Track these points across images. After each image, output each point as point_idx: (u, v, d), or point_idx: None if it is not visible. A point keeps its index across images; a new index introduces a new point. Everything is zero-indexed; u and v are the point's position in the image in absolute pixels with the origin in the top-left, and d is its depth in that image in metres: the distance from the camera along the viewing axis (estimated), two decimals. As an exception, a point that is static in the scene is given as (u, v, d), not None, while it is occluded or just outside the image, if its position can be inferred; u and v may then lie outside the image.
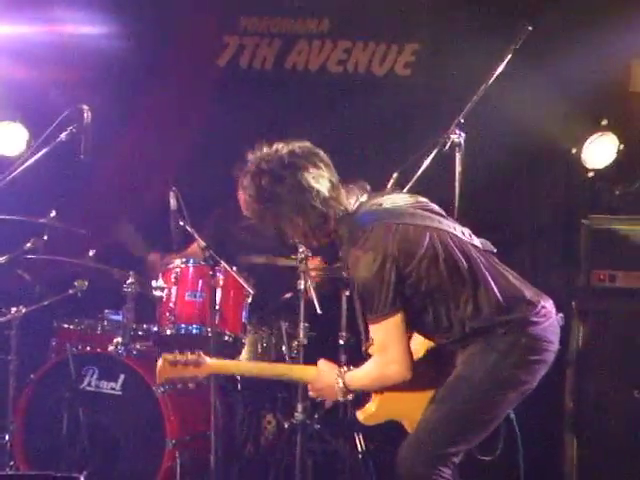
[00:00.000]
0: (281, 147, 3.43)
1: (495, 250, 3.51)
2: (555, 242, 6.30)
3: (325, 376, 3.51)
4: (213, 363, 3.65)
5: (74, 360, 4.87)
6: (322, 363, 3.58)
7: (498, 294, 3.28)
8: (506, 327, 3.26)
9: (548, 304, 3.38)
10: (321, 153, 3.48)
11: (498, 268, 3.39)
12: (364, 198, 3.47)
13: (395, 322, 3.24)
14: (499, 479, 4.20)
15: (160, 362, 3.61)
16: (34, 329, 5.36)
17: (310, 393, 3.61)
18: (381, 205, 3.41)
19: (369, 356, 3.48)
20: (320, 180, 3.37)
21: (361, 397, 3.67)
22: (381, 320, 3.25)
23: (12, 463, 4.86)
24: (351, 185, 3.51)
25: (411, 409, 3.45)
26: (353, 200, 3.44)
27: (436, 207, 3.54)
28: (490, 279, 3.31)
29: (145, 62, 6.48)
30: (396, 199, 3.46)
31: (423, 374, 3.39)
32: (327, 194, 3.36)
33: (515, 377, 3.29)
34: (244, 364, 3.80)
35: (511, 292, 3.32)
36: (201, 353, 3.65)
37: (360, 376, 3.44)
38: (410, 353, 3.30)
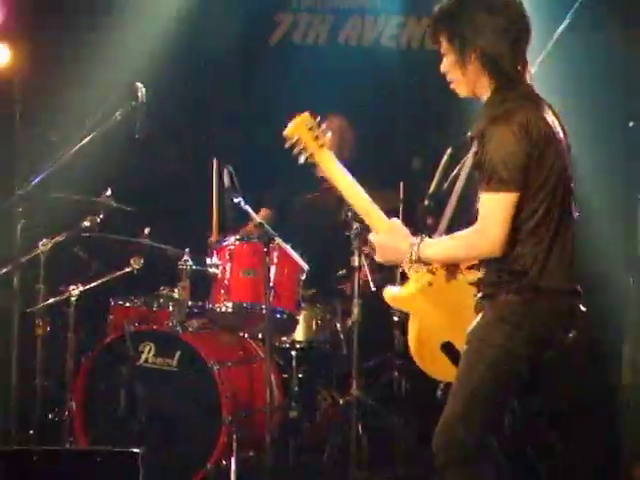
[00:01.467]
0: None
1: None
2: (614, 215, 6.21)
3: (398, 233, 3.36)
4: (328, 156, 3.45)
5: (131, 337, 4.91)
6: (396, 222, 3.43)
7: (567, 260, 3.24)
8: (537, 296, 3.20)
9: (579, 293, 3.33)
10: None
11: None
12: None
13: (511, 200, 3.14)
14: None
15: (302, 117, 3.46)
16: (91, 307, 5.42)
17: (371, 243, 3.44)
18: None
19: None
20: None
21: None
22: (499, 192, 3.14)
23: (72, 439, 4.93)
24: None
25: (445, 328, 3.41)
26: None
27: None
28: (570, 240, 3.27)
29: (196, 42, 6.49)
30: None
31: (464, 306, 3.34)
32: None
33: (525, 351, 3.20)
34: (347, 182, 3.54)
35: (567, 265, 3.28)
36: (330, 139, 3.48)
37: (443, 242, 3.31)
38: (508, 233, 3.16)
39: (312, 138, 3.45)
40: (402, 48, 6.60)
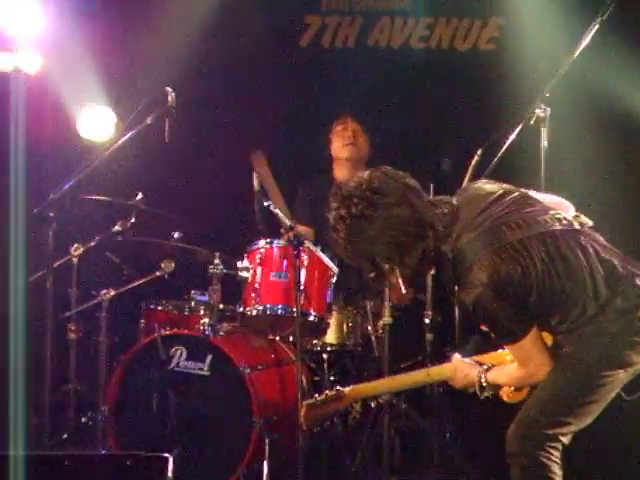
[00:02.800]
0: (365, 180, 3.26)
1: (591, 223, 3.42)
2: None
3: (465, 373, 3.50)
4: (351, 392, 3.67)
5: (162, 341, 4.92)
6: (458, 360, 3.56)
7: (606, 283, 3.22)
8: (616, 313, 3.20)
9: None
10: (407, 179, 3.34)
11: (601, 254, 3.28)
12: (450, 205, 3.34)
13: (531, 338, 3.22)
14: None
15: (303, 409, 3.65)
16: (123, 311, 5.45)
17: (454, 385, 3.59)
18: (479, 226, 3.26)
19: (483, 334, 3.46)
20: (418, 207, 3.25)
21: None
22: (517, 342, 3.23)
23: (104, 442, 4.95)
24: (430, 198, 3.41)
25: None
26: (447, 220, 3.30)
27: (524, 193, 3.43)
28: (599, 268, 3.24)
29: (226, 45, 6.51)
30: (490, 208, 3.31)
31: None
32: (426, 221, 3.25)
33: (626, 357, 3.23)
34: (380, 383, 3.83)
35: (619, 278, 3.25)
36: (339, 388, 3.67)
37: (505, 377, 3.42)
38: (548, 350, 3.27)
39: (325, 407, 3.63)
40: (431, 49, 6.58)
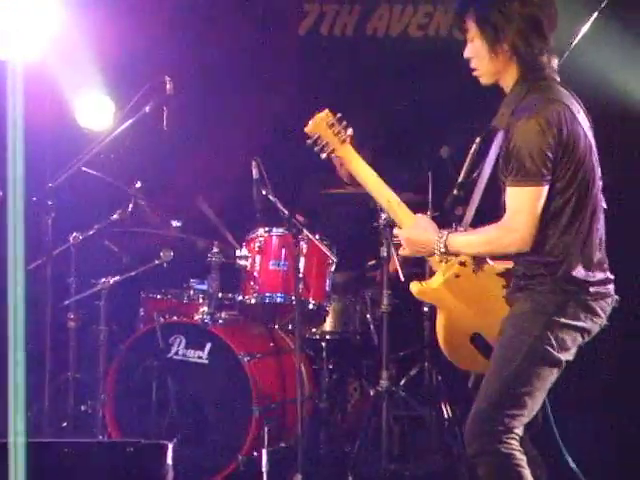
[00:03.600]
0: None
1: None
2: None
3: (424, 227, 3.37)
4: (350, 152, 3.48)
5: (161, 330, 4.94)
6: (423, 217, 3.45)
7: (596, 251, 3.23)
8: (562, 285, 3.19)
9: (610, 282, 3.31)
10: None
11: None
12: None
13: (535, 193, 3.14)
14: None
15: (322, 114, 3.48)
16: (122, 299, 5.45)
17: (399, 237, 3.46)
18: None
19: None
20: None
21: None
22: (526, 185, 3.14)
23: (104, 431, 4.96)
24: None
25: (474, 321, 3.41)
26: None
27: None
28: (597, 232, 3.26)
29: (225, 33, 6.49)
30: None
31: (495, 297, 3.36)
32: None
33: (562, 342, 3.21)
34: (370, 177, 3.57)
35: (600, 254, 3.27)
36: (351, 133, 3.49)
37: (470, 237, 3.32)
38: (535, 226, 3.17)
39: (333, 134, 3.48)
40: (430, 37, 6.57)
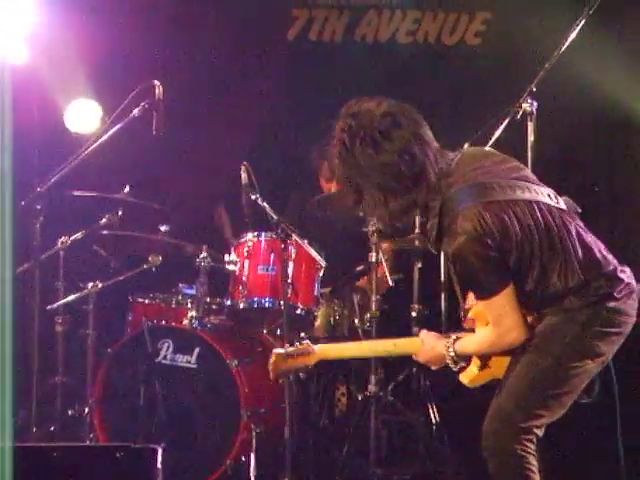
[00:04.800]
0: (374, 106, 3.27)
1: (580, 210, 3.45)
2: (635, 210, 6.20)
3: (432, 346, 3.47)
4: (321, 350, 3.64)
5: (150, 334, 4.93)
6: (425, 334, 3.53)
7: (582, 266, 3.24)
8: (586, 300, 3.22)
9: (629, 276, 3.32)
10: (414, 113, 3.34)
11: (583, 237, 3.31)
12: (451, 160, 3.31)
13: (506, 294, 3.20)
14: (596, 422, 4.22)
15: (272, 357, 3.63)
16: (110, 304, 5.45)
17: (418, 360, 3.56)
18: (473, 179, 3.25)
19: (467, 329, 3.45)
20: (419, 161, 3.22)
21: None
22: (492, 297, 3.21)
23: (92, 435, 4.96)
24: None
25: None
26: (444, 165, 3.28)
27: (524, 167, 3.45)
28: (579, 249, 3.25)
29: (213, 37, 6.50)
30: (488, 166, 3.31)
31: None
32: (422, 176, 3.22)
33: (595, 348, 3.25)
34: (349, 346, 3.80)
35: (595, 264, 3.27)
36: (309, 342, 3.66)
37: (474, 345, 3.39)
38: (524, 316, 3.25)
39: (296, 360, 3.61)
40: (419, 43, 6.59)
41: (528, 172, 3.44)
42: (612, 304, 3.24)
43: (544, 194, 3.32)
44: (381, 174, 3.19)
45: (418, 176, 3.21)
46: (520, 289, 3.24)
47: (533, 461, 3.26)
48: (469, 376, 3.48)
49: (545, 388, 3.26)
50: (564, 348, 3.24)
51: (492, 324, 3.28)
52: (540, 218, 3.24)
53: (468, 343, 3.42)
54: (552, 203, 3.31)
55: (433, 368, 3.55)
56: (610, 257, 3.34)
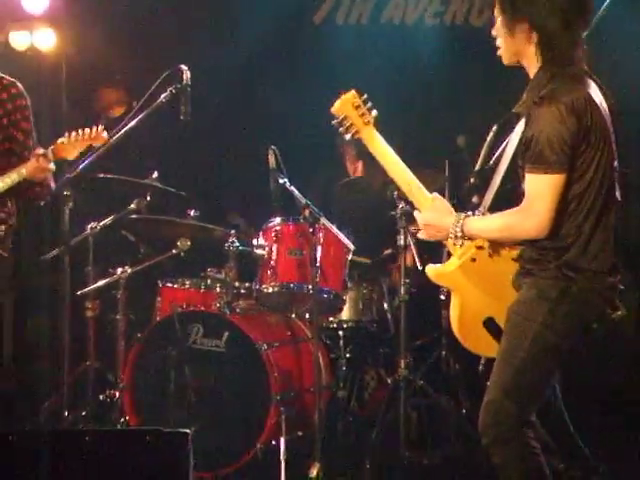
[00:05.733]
0: None
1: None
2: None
3: (441, 210, 3.38)
4: (373, 134, 3.47)
5: (179, 318, 4.95)
6: (440, 198, 3.44)
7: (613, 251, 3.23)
8: (573, 273, 3.19)
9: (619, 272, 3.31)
10: None
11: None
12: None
13: (558, 180, 3.14)
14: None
15: (348, 95, 3.47)
16: (139, 289, 5.47)
17: (418, 221, 3.44)
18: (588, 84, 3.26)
19: None
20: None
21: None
22: (546, 172, 3.14)
23: (123, 419, 4.99)
24: None
25: (488, 305, 3.40)
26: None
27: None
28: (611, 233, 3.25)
29: (241, 22, 6.49)
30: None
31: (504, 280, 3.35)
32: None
33: (566, 328, 3.21)
34: (391, 159, 3.46)
35: (608, 243, 3.26)
36: (375, 116, 3.48)
37: (488, 221, 3.32)
38: (555, 213, 3.17)
39: (358, 115, 3.47)
40: (446, 25, 6.55)
41: None
42: (586, 286, 3.19)
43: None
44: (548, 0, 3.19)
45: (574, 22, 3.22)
46: (568, 194, 3.17)
47: (535, 444, 3.23)
48: (443, 267, 3.41)
49: (529, 374, 3.21)
50: (538, 330, 3.19)
51: (524, 203, 3.20)
52: (615, 167, 3.24)
53: (482, 219, 3.33)
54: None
55: (421, 236, 3.44)
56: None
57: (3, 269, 4.49)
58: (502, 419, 3.22)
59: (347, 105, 3.48)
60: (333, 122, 3.48)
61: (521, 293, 3.27)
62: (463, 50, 6.40)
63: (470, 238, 3.33)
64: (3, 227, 4.42)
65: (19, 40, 5.94)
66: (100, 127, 4.56)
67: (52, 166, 4.46)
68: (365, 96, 3.50)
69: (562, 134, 3.12)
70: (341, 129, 3.48)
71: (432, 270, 3.46)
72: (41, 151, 4.40)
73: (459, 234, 3.30)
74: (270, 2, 6.48)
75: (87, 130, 4.50)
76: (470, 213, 3.36)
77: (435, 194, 3.44)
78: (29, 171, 4.38)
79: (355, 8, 6.64)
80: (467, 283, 3.40)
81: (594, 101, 3.20)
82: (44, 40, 5.96)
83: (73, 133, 4.50)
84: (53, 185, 4.59)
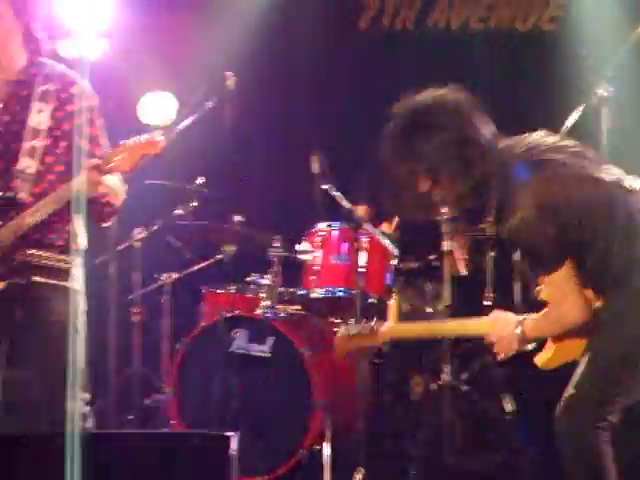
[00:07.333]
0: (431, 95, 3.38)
1: None
2: None
3: (501, 326, 3.42)
4: (389, 329, 3.62)
5: (224, 323, 4.97)
6: (497, 313, 3.49)
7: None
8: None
9: None
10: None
11: None
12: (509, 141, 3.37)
13: (564, 272, 3.16)
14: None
15: (337, 338, 3.62)
16: (184, 294, 5.51)
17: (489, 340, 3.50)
18: (537, 155, 3.26)
19: (541, 302, 3.41)
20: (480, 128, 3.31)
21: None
22: (550, 273, 3.17)
23: (169, 423, 5.02)
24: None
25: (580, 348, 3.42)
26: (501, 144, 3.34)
27: (585, 148, 3.40)
28: None
29: (287, 28, 6.51)
30: (549, 142, 3.32)
31: None
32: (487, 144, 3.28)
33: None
34: (419, 326, 3.75)
35: None
36: (376, 320, 3.63)
37: (541, 324, 3.34)
38: (582, 293, 3.20)
39: (361, 339, 3.57)
40: (491, 30, 6.52)
41: (596, 153, 3.42)
42: None
43: (621, 177, 3.28)
44: (445, 155, 3.24)
45: (478, 154, 3.26)
46: (581, 266, 3.18)
47: (606, 448, 3.20)
48: (541, 358, 3.42)
49: (618, 371, 3.20)
50: (633, 332, 3.18)
51: (555, 302, 3.23)
52: (620, 204, 3.20)
53: (537, 322, 3.35)
54: (633, 188, 3.26)
55: (502, 355, 3.46)
56: None
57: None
58: (580, 414, 3.21)
59: (345, 343, 3.58)
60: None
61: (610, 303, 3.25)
62: (508, 55, 6.36)
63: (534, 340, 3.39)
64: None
65: (67, 48, 6.01)
66: (157, 135, 3.73)
67: (110, 181, 3.71)
68: (350, 321, 3.71)
69: (547, 234, 3.13)
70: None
71: (541, 362, 3.44)
72: (93, 162, 3.65)
73: (523, 339, 3.36)
74: (315, 8, 6.50)
75: (141, 138, 3.70)
76: (524, 317, 3.39)
77: (493, 314, 3.49)
78: (78, 186, 3.60)
79: (400, 13, 6.64)
80: (567, 347, 3.40)
81: (555, 166, 3.19)
82: (92, 49, 6.01)
83: (127, 142, 3.70)
84: (118, 203, 3.83)
